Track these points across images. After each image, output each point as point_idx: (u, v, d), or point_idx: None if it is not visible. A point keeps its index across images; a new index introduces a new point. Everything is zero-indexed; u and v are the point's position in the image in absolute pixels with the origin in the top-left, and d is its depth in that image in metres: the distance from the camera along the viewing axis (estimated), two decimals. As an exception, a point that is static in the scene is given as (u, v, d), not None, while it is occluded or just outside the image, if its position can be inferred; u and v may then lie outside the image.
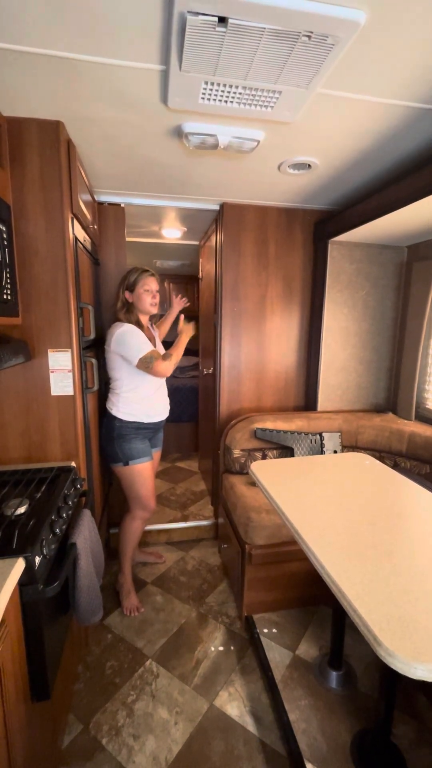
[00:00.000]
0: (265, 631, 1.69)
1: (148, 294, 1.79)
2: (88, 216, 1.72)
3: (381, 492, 1.33)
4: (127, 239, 2.92)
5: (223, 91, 1.10)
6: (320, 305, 2.25)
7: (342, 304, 2.25)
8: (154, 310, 1.83)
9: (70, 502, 1.23)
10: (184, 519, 2.55)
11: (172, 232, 2.79)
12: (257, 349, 2.35)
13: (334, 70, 1.03)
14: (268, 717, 1.37)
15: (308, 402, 2.42)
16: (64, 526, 1.11)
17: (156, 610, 1.86)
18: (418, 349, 2.06)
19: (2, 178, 1.21)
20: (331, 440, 2.11)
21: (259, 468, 1.49)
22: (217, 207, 2.21)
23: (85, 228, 1.65)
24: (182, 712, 1.39)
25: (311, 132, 1.37)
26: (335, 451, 2.09)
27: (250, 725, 1.35)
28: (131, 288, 1.78)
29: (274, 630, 1.70)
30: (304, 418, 2.17)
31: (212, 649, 1.66)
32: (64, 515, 1.14)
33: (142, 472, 1.81)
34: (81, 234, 1.58)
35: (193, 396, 3.74)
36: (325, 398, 2.34)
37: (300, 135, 1.39)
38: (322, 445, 2.10)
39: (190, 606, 1.90)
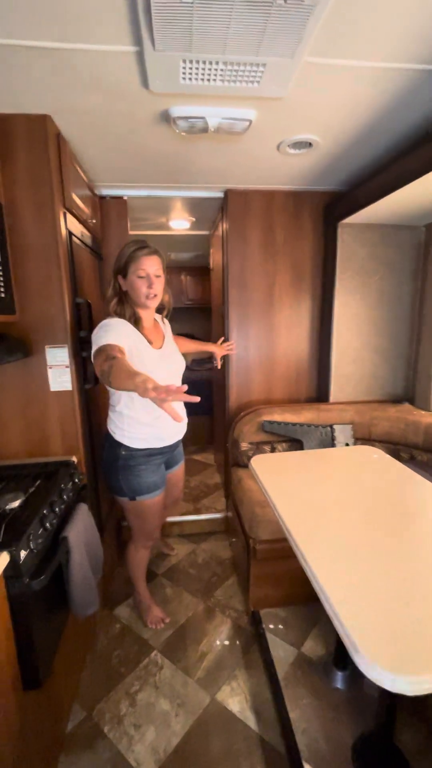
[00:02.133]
0: (271, 626, 1.67)
1: (143, 282, 1.34)
2: (87, 210, 1.71)
3: (386, 488, 1.26)
4: (137, 232, 2.92)
5: (203, 69, 1.04)
6: (331, 292, 2.15)
7: (354, 291, 2.15)
8: (151, 304, 1.39)
9: (65, 497, 1.24)
10: (197, 512, 2.55)
11: (180, 223, 2.75)
12: (266, 340, 2.29)
13: (319, 35, 0.95)
14: (270, 714, 1.35)
15: (320, 393, 2.34)
16: (54, 520, 1.12)
17: (164, 602, 1.87)
18: (436, 336, 1.94)
19: (-9, 175, 1.22)
20: (342, 433, 2.03)
21: (259, 462, 1.45)
22: (221, 194, 2.15)
23: (82, 222, 1.65)
24: (183, 705, 1.39)
25: (307, 107, 1.29)
26: (347, 444, 2.01)
27: (250, 721, 1.33)
28: (123, 271, 1.37)
29: (281, 626, 1.67)
30: (315, 409, 2.10)
31: (218, 642, 1.65)
32: (57, 509, 1.16)
33: (151, 507, 1.51)
34: (77, 229, 1.58)
35: (210, 388, 3.72)
36: (338, 389, 2.25)
37: (295, 111, 1.31)
38: (333, 438, 2.02)
39: (198, 599, 1.90)
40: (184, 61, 1.01)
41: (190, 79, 1.08)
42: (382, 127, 1.43)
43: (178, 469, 1.76)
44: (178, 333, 1.85)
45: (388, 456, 1.48)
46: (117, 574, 2.06)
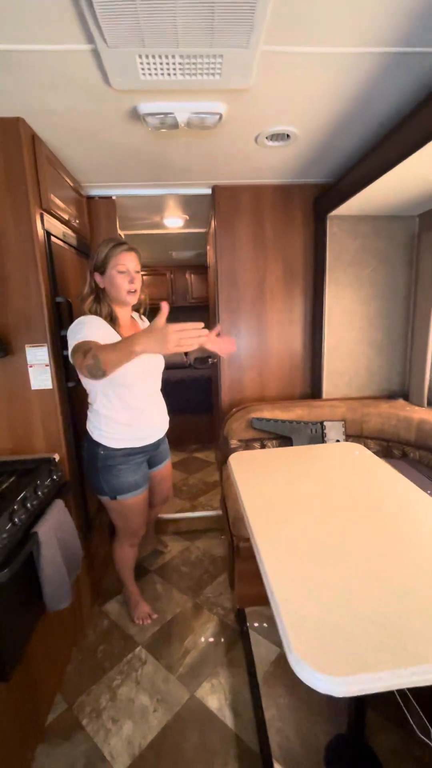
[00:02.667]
0: (255, 624, 1.65)
1: (124, 277, 1.35)
2: (70, 210, 1.73)
3: (360, 485, 1.23)
4: (132, 232, 2.94)
5: (161, 64, 1.04)
6: (322, 287, 2.11)
7: (346, 285, 2.10)
8: (132, 300, 1.40)
9: (39, 493, 1.26)
10: (193, 509, 2.56)
11: (175, 221, 2.76)
12: (258, 337, 2.27)
13: (273, 23, 0.93)
14: (248, 712, 1.34)
15: (314, 390, 2.31)
16: (24, 516, 1.14)
17: (154, 599, 1.89)
18: (428, 330, 1.88)
19: (-36, 179, 1.24)
20: (333, 429, 1.99)
21: (238, 459, 1.44)
22: (209, 191, 2.14)
23: (65, 223, 1.67)
24: (163, 701, 1.40)
25: (276, 97, 1.26)
26: (337, 441, 1.97)
27: (228, 719, 1.33)
28: (101, 268, 1.38)
29: (265, 624, 1.66)
30: (306, 406, 2.07)
31: (202, 640, 1.65)
32: (29, 505, 1.18)
33: (133, 506, 1.52)
34: (58, 229, 1.60)
35: (211, 386, 3.72)
36: (331, 385, 2.21)
37: (265, 102, 1.28)
38: (323, 435, 1.99)
39: (187, 596, 1.90)
40: (140, 56, 1.01)
41: (150, 74, 1.08)
42: (359, 115, 1.39)
43: (163, 468, 1.74)
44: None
45: (369, 452, 1.45)
46: (110, 570, 2.08)
